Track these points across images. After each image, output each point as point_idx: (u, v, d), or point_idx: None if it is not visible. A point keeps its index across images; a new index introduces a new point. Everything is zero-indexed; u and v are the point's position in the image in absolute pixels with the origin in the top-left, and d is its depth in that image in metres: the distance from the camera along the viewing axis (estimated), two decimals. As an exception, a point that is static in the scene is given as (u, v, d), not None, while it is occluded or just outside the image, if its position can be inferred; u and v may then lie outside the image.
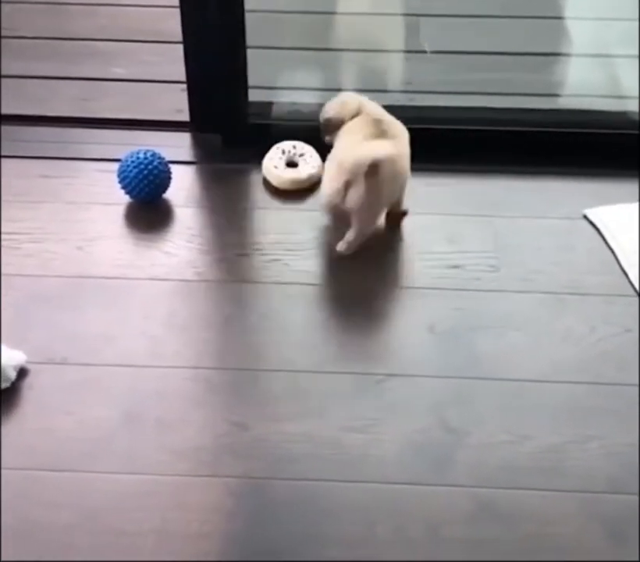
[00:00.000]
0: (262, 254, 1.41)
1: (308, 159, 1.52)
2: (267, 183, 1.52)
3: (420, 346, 1.27)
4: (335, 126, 1.41)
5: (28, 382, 1.21)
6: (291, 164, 1.52)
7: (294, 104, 1.66)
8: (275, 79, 1.69)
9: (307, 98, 1.67)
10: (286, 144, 1.53)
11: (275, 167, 1.51)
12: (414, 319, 1.31)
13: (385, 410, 1.19)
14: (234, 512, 1.10)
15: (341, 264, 1.38)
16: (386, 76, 1.75)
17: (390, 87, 1.74)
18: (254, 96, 1.59)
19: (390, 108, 1.67)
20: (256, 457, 1.14)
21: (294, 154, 1.53)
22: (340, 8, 1.87)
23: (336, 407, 1.19)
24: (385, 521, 1.08)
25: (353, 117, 1.40)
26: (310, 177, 1.49)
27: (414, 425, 1.17)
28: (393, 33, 1.80)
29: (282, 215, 1.48)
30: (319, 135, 1.57)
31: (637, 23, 1.74)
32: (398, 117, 1.62)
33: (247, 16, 1.50)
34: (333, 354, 1.26)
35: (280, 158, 1.52)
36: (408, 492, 1.11)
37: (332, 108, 1.43)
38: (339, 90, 1.71)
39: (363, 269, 1.37)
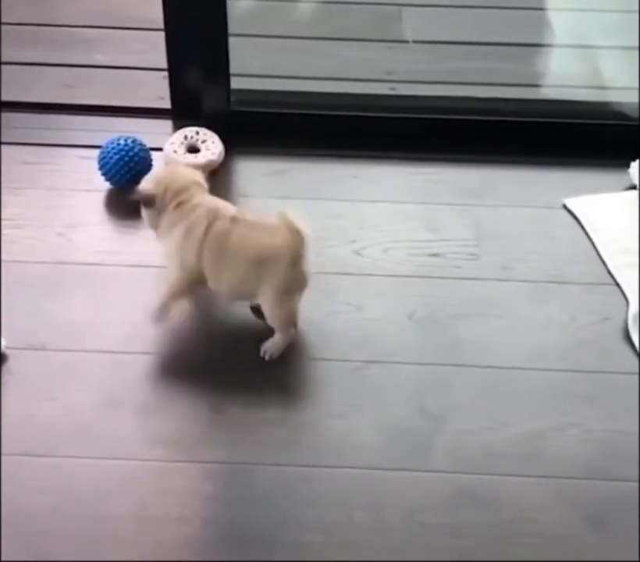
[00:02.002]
0: (243, 242, 1.41)
1: (210, 145, 1.52)
2: None
3: (400, 334, 1.27)
4: (147, 201, 1.22)
5: (7, 367, 1.21)
6: (193, 149, 1.53)
7: (276, 92, 1.66)
8: (257, 67, 1.68)
9: (288, 86, 1.67)
10: (190, 130, 1.54)
11: (175, 152, 1.51)
12: (394, 307, 1.31)
13: (364, 396, 1.20)
14: (213, 497, 1.10)
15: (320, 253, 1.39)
16: (367, 65, 1.75)
17: (371, 76, 1.74)
18: (235, 84, 1.59)
19: (372, 98, 1.69)
20: (235, 442, 1.14)
21: (197, 140, 1.53)
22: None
23: (315, 394, 1.19)
24: (363, 507, 1.09)
25: (173, 195, 1.20)
26: (209, 163, 1.50)
27: (393, 412, 1.18)
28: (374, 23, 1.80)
29: (265, 203, 1.46)
30: (298, 123, 1.58)
31: (619, 14, 1.75)
32: (380, 107, 1.63)
33: (229, 4, 1.50)
34: (312, 341, 1.26)
35: (182, 143, 1.52)
36: (387, 477, 1.11)
37: (147, 181, 1.24)
38: (320, 78, 1.73)
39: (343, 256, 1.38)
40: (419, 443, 1.15)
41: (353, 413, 1.17)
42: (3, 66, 1.69)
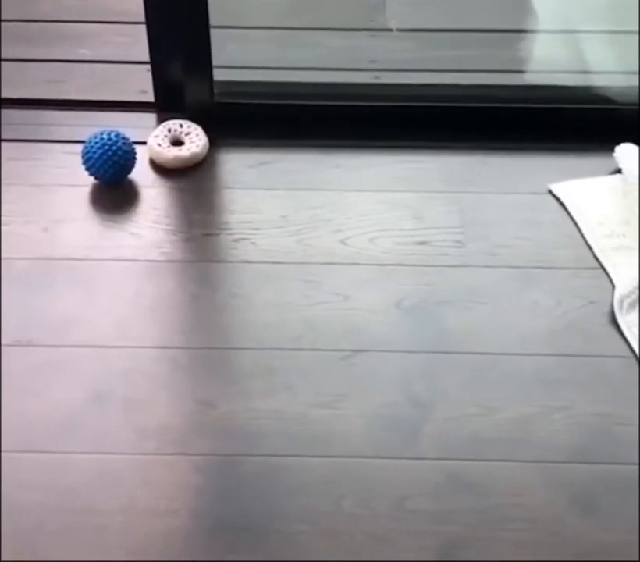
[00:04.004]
0: (229, 234, 1.41)
1: (194, 138, 1.51)
2: (152, 161, 1.51)
3: (387, 322, 1.27)
4: None
5: (-6, 364, 1.21)
6: (176, 142, 1.52)
7: (259, 83, 1.66)
8: (240, 58, 1.68)
9: (272, 77, 1.66)
10: (173, 123, 1.53)
11: (159, 145, 1.51)
12: (380, 295, 1.31)
13: (352, 385, 1.19)
14: (201, 489, 1.10)
15: (306, 243, 1.39)
16: (351, 54, 1.74)
17: (355, 65, 1.73)
18: (218, 75, 1.58)
19: (356, 87, 1.68)
20: (223, 434, 1.14)
21: (180, 132, 1.53)
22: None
23: (303, 384, 1.19)
24: (351, 495, 1.09)
25: None
26: (193, 156, 1.49)
27: (381, 400, 1.18)
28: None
29: (249, 195, 1.47)
30: (282, 114, 1.57)
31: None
32: (365, 96, 1.63)
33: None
34: (299, 332, 1.26)
35: (166, 136, 1.52)
36: (375, 465, 1.12)
37: None
38: (303, 68, 1.72)
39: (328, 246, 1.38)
40: (407, 431, 1.15)
41: (340, 402, 1.17)
42: (-15, 63, 1.70)
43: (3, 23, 1.77)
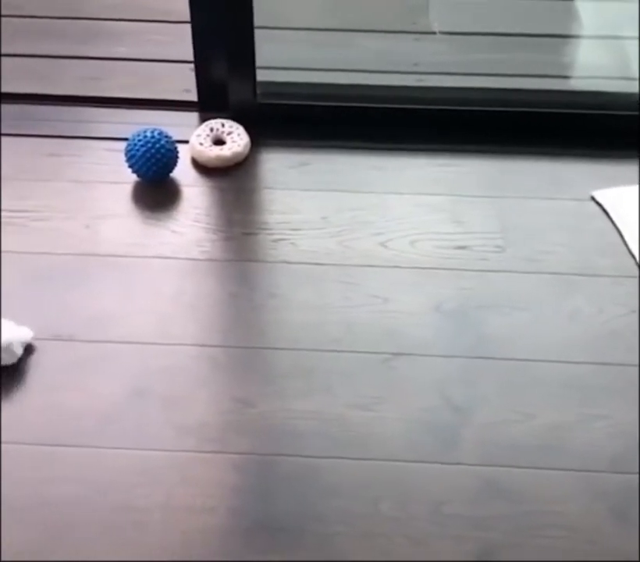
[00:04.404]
0: (269, 234, 1.41)
1: (235, 138, 1.52)
2: (194, 160, 1.51)
3: (426, 326, 1.27)
4: None
5: (35, 358, 1.22)
6: (218, 142, 1.53)
7: (302, 84, 1.66)
8: (283, 59, 1.68)
9: (314, 78, 1.66)
10: (216, 122, 1.54)
11: (201, 144, 1.51)
12: (420, 299, 1.31)
13: (390, 388, 1.19)
14: (239, 487, 1.10)
15: (345, 245, 1.39)
16: (394, 57, 1.74)
17: (398, 67, 1.73)
18: (261, 76, 1.59)
19: (398, 89, 1.68)
20: (261, 433, 1.14)
21: (222, 132, 1.53)
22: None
23: (342, 385, 1.19)
24: (388, 498, 1.09)
25: None
26: (234, 155, 1.50)
27: (419, 404, 1.18)
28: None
29: (290, 195, 1.47)
30: (324, 115, 1.58)
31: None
32: (407, 98, 1.62)
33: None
34: (338, 334, 1.26)
35: (208, 136, 1.53)
36: (412, 469, 1.11)
37: None
38: (346, 70, 1.72)
39: (368, 248, 1.38)
40: (445, 435, 1.15)
41: (379, 405, 1.17)
42: (28, 59, 1.71)
43: (45, 20, 1.79)
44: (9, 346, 1.20)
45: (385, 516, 1.07)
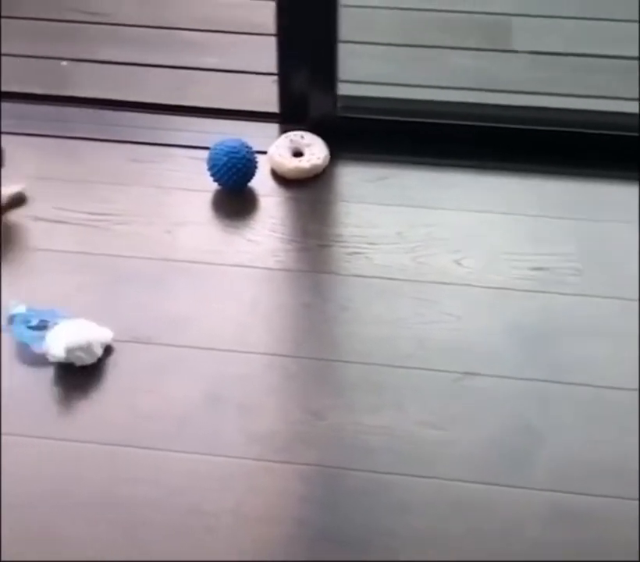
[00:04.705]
0: (344, 246, 1.42)
1: (314, 150, 1.53)
2: (272, 171, 1.53)
3: (500, 347, 1.26)
4: None
5: (113, 359, 1.25)
6: (297, 153, 1.54)
7: (382, 99, 1.67)
8: (364, 73, 1.70)
9: (394, 93, 1.67)
10: (295, 134, 1.55)
11: (280, 155, 1.53)
12: (494, 319, 1.30)
13: (461, 408, 1.19)
14: (306, 499, 1.11)
15: (420, 261, 1.39)
16: (474, 73, 1.75)
17: (477, 84, 1.73)
18: (342, 90, 1.60)
19: (478, 107, 1.68)
20: (330, 446, 1.15)
21: (302, 144, 1.55)
22: (431, 6, 1.87)
23: (413, 402, 1.20)
24: (457, 519, 1.09)
25: None
26: (313, 167, 1.51)
27: (490, 425, 1.17)
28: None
29: (366, 209, 1.48)
30: (402, 130, 1.59)
31: None
32: (484, 116, 1.62)
33: (341, 11, 1.52)
34: (411, 350, 1.26)
35: (287, 147, 1.54)
36: (483, 491, 1.11)
37: None
38: (427, 86, 1.73)
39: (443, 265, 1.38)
40: (517, 459, 1.14)
41: (450, 424, 1.17)
42: (116, 66, 1.75)
43: (133, 29, 1.83)
44: (90, 346, 1.23)
45: (452, 536, 1.07)
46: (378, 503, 1.10)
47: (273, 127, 1.63)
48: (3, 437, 1.15)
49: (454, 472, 1.12)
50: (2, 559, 1.05)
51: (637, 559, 1.03)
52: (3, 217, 1.44)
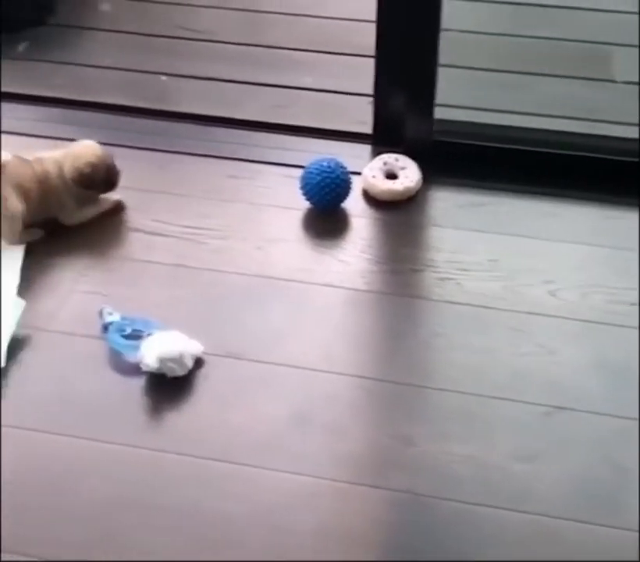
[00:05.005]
0: (435, 271, 1.42)
1: (408, 173, 1.53)
2: (364, 192, 1.53)
3: (593, 382, 1.24)
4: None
5: (204, 372, 1.26)
6: (390, 176, 1.54)
7: (478, 124, 1.66)
8: (461, 98, 1.70)
9: (491, 119, 1.67)
10: (389, 156, 1.55)
11: (374, 176, 1.53)
12: (587, 353, 1.28)
13: (552, 442, 1.17)
14: (393, 525, 1.11)
15: (513, 290, 1.38)
16: (571, 102, 1.73)
17: (574, 114, 1.72)
18: (439, 113, 1.60)
19: (574, 136, 1.66)
20: (420, 473, 1.15)
21: (395, 166, 1.55)
22: (531, 33, 1.87)
23: (503, 434, 1.18)
24: (543, 555, 1.07)
25: None
26: (406, 190, 1.51)
27: (580, 462, 1.15)
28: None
29: (459, 234, 1.48)
30: (498, 157, 1.58)
31: None
32: (585, 146, 1.60)
33: (441, 35, 1.52)
34: (502, 381, 1.25)
35: (380, 169, 1.54)
36: (571, 528, 1.09)
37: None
38: (523, 113, 1.72)
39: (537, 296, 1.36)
40: (606, 497, 1.12)
41: (540, 458, 1.16)
42: (218, 83, 1.79)
43: (236, 47, 1.86)
44: (182, 357, 1.25)
45: (540, 573, 1.05)
46: (467, 534, 1.09)
47: (366, 148, 1.64)
48: (89, 443, 1.18)
49: (543, 507, 1.11)
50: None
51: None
52: (101, 226, 1.48)
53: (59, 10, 1.93)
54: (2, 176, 1.39)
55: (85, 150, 1.46)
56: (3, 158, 1.41)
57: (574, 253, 1.43)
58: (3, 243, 1.41)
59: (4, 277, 1.37)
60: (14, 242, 1.42)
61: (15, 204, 1.40)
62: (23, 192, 1.41)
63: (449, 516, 1.10)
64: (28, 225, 1.43)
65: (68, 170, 1.44)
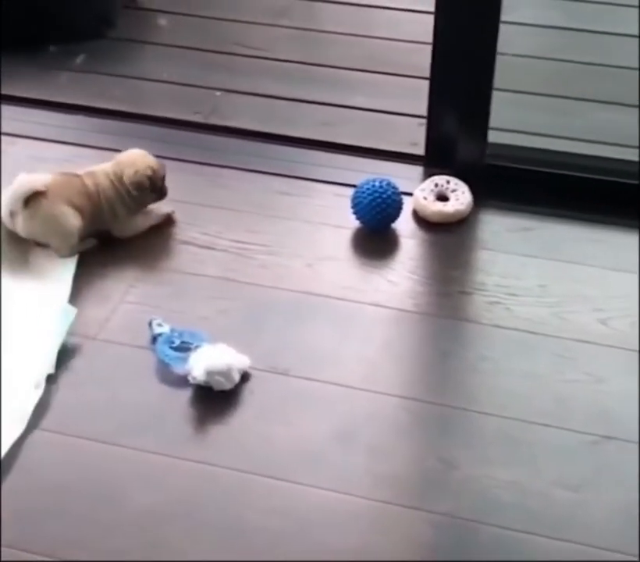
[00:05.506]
0: (484, 295, 1.42)
1: (459, 195, 1.53)
2: (415, 213, 1.53)
3: (638, 412, 1.23)
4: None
5: (250, 386, 1.27)
6: (441, 197, 1.54)
7: (530, 149, 1.67)
8: (514, 121, 1.70)
9: (544, 144, 1.67)
10: (441, 178, 1.56)
11: (425, 198, 1.53)
12: (635, 383, 1.27)
13: (598, 472, 1.16)
14: (433, 547, 1.10)
15: (562, 317, 1.37)
16: (622, 129, 1.72)
17: (625, 141, 1.71)
18: (492, 137, 1.61)
19: (623, 163, 1.65)
20: (462, 497, 1.14)
21: (447, 188, 1.55)
22: (584, 59, 1.87)
23: (548, 461, 1.18)
24: (586, 586, 1.06)
25: None
26: (456, 212, 1.51)
27: (626, 493, 1.14)
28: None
29: (508, 259, 1.48)
30: (550, 182, 1.58)
31: None
32: (626, 172, 1.59)
33: (497, 58, 1.53)
34: (548, 407, 1.24)
35: (432, 190, 1.55)
36: (616, 560, 1.07)
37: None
38: (576, 139, 1.72)
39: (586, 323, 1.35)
40: (651, 530, 1.10)
41: (584, 487, 1.14)
42: (272, 100, 1.81)
43: (290, 65, 1.88)
44: (230, 371, 1.26)
45: (583, 605, 1.04)
46: (507, 559, 1.08)
47: (417, 169, 1.65)
48: (133, 452, 1.19)
49: (587, 537, 1.09)
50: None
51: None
52: (151, 238, 1.50)
53: (119, 24, 1.98)
54: (52, 195, 1.42)
55: (138, 156, 1.49)
56: (43, 179, 1.43)
57: (622, 281, 1.42)
58: (58, 255, 1.45)
59: (56, 285, 1.40)
60: (69, 255, 1.45)
61: (72, 222, 1.43)
62: (76, 207, 1.44)
63: (489, 541, 1.10)
64: (82, 237, 1.46)
65: (127, 176, 1.46)
